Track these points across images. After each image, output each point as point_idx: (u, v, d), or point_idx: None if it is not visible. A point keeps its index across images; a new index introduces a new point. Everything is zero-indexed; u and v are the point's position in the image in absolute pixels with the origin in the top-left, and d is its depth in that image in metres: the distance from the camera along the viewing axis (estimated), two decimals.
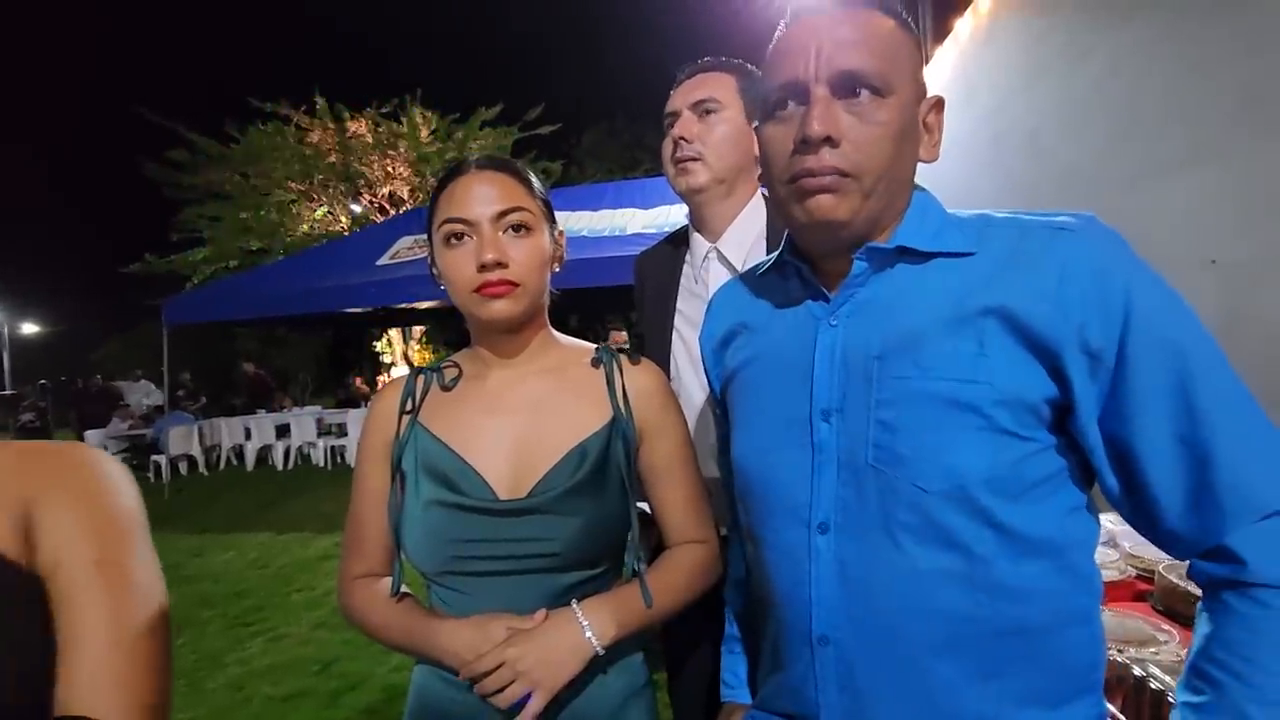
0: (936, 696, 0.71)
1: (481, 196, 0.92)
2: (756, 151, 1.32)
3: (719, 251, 1.34)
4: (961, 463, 0.69)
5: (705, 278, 1.36)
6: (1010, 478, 0.68)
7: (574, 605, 0.90)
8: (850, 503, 0.74)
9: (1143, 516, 0.69)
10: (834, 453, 0.76)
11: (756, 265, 0.96)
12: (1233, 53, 1.79)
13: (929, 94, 0.77)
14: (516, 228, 0.93)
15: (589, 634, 0.88)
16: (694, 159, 1.30)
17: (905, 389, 0.72)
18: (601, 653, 0.89)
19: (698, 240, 1.38)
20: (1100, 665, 0.75)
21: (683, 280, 1.42)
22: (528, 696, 0.84)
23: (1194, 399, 0.64)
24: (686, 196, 1.35)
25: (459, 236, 0.92)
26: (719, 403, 0.98)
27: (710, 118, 1.31)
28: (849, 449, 0.74)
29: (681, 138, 1.31)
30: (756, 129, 0.82)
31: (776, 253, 0.90)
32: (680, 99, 1.33)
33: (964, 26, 3.77)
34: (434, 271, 0.99)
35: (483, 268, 0.90)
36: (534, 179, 0.99)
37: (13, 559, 0.63)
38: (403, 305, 7.56)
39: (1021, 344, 0.68)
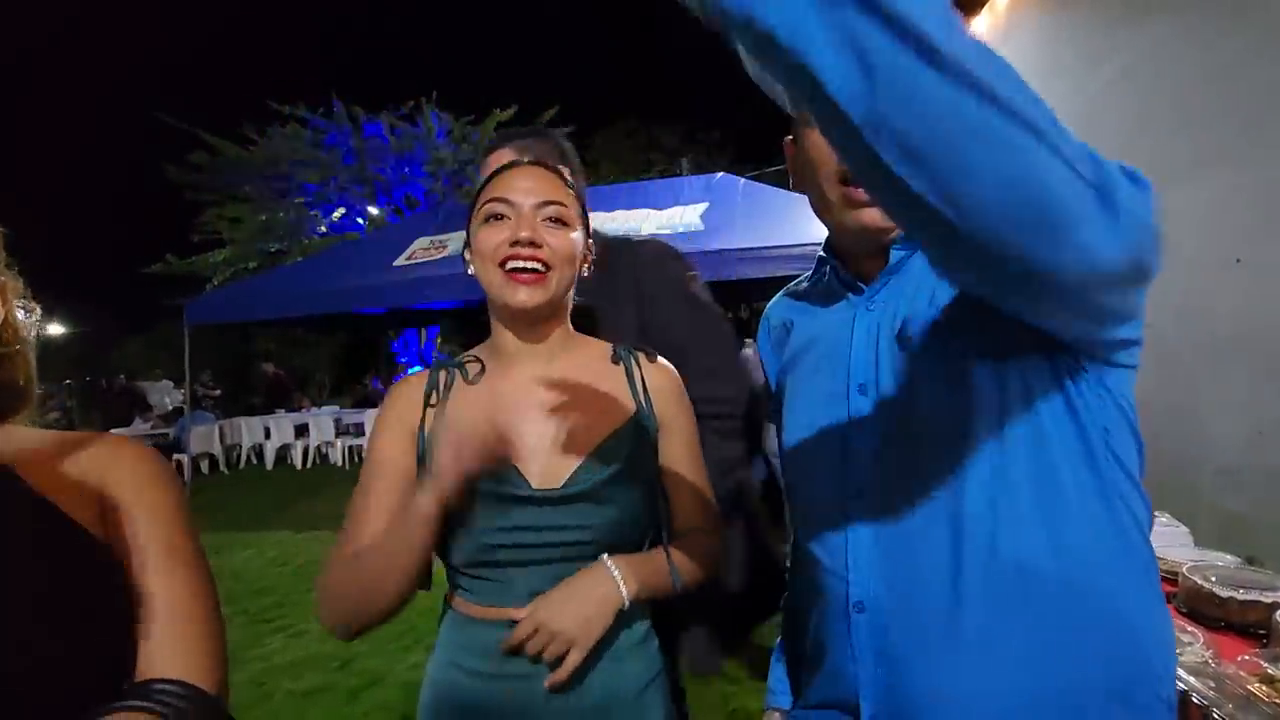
0: (972, 653, 0.71)
1: (527, 187, 0.97)
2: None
3: None
4: (978, 406, 0.72)
5: None
6: (1031, 420, 0.71)
7: (604, 558, 0.94)
8: (883, 467, 0.78)
9: None
10: (868, 422, 0.80)
11: (803, 273, 1.03)
12: (1249, 57, 1.77)
13: None
14: (555, 220, 0.98)
15: (621, 586, 0.91)
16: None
17: (932, 353, 0.76)
18: (628, 605, 0.92)
19: None
20: (1167, 644, 0.74)
21: None
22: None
23: None
24: None
25: (499, 216, 0.97)
26: (775, 400, 1.03)
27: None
28: (881, 416, 0.79)
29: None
30: (797, 133, 0.87)
31: (817, 259, 0.96)
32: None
33: (980, 25, 3.75)
34: (466, 256, 1.01)
35: (516, 243, 0.94)
36: (580, 188, 1.04)
37: (100, 539, 0.69)
38: (419, 306, 7.61)
39: None
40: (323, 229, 15.52)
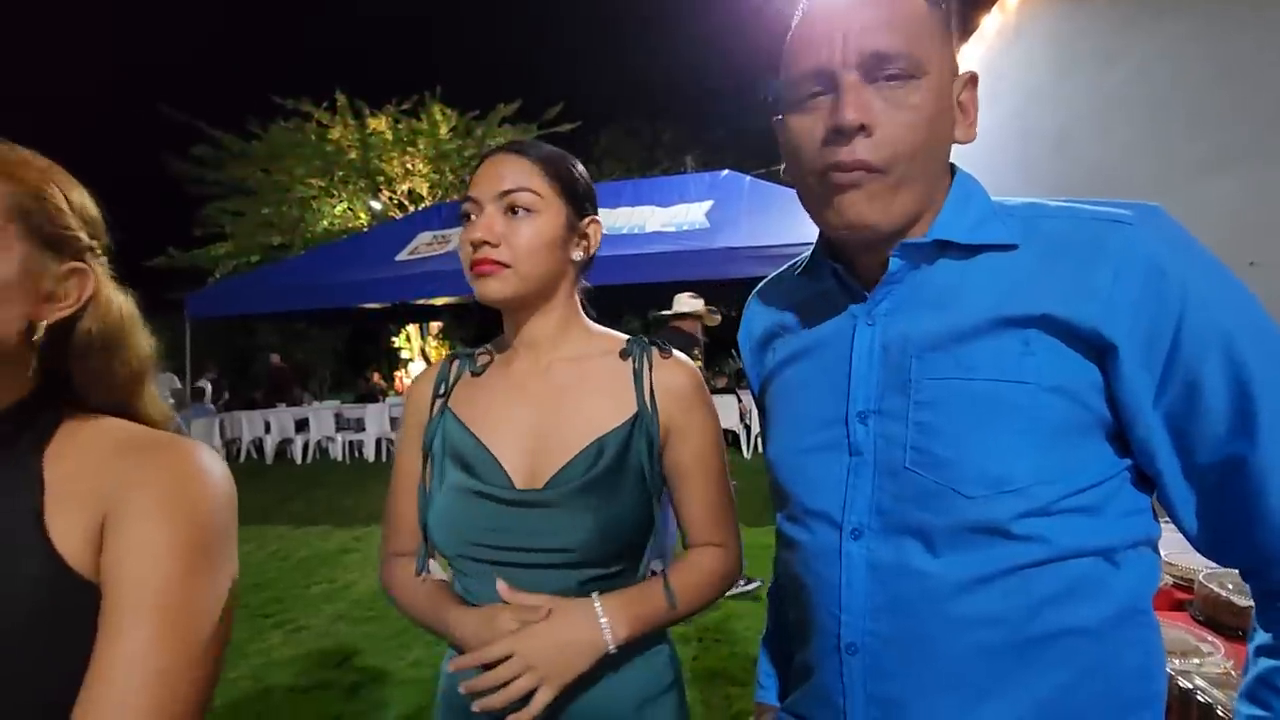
0: (972, 709, 0.68)
1: (490, 176, 0.93)
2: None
3: None
4: (1006, 468, 0.66)
5: None
6: (1059, 482, 0.65)
7: (594, 598, 0.89)
8: (886, 507, 0.71)
9: (1187, 526, 0.68)
10: (871, 455, 0.73)
11: (792, 264, 0.92)
12: (1265, 57, 1.75)
13: (961, 71, 0.73)
14: (515, 209, 0.92)
15: (606, 633, 0.86)
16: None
17: (946, 389, 0.69)
18: (614, 651, 0.87)
19: None
20: (1159, 675, 0.72)
21: None
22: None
23: (1249, 402, 0.61)
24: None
25: (468, 216, 0.94)
26: (758, 403, 0.96)
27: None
28: (886, 452, 0.72)
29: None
30: (779, 120, 0.76)
31: (809, 252, 0.86)
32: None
33: (991, 23, 3.72)
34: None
35: (474, 246, 0.91)
36: (559, 164, 0.97)
37: (72, 565, 0.59)
38: (420, 301, 7.61)
39: (1070, 344, 0.66)
40: (325, 223, 15.51)
